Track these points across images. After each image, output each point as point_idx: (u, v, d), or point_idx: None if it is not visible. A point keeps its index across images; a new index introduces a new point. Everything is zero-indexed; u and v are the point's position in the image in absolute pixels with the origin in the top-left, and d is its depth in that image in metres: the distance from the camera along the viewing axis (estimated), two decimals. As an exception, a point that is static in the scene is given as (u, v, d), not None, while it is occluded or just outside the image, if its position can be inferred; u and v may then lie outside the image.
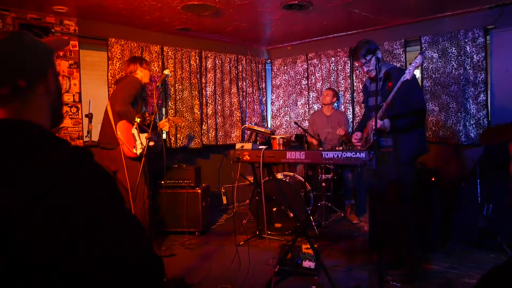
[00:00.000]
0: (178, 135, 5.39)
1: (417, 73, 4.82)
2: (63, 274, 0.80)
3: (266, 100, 6.69)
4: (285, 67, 6.41)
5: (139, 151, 3.72)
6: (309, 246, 3.26)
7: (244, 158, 3.18)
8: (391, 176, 3.15)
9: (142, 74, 3.96)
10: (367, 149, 3.28)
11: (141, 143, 3.74)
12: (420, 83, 4.57)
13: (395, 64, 5.12)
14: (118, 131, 3.71)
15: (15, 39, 0.96)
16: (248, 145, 3.22)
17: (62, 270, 0.80)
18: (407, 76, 2.79)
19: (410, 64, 2.83)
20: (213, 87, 5.81)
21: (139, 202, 3.67)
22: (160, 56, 5.17)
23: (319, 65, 5.95)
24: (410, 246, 3.20)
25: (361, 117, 5.48)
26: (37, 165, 0.83)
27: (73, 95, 4.49)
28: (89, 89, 4.87)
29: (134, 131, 3.78)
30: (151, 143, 3.76)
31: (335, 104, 5.54)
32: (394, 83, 2.98)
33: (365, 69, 3.26)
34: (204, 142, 5.72)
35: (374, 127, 3.07)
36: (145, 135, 3.73)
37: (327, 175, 4.86)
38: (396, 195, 3.15)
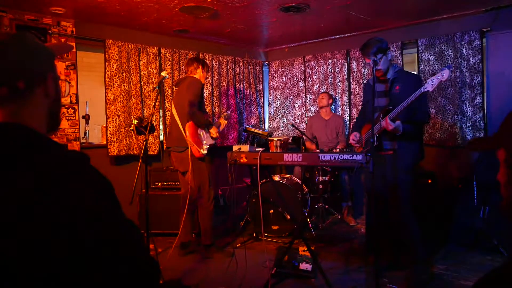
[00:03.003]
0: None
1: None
2: (61, 275, 0.80)
3: (263, 102, 6.69)
4: (283, 69, 6.42)
5: (205, 152, 3.85)
6: (306, 248, 3.26)
7: (241, 160, 3.18)
8: (393, 179, 3.14)
9: (202, 75, 4.06)
10: (367, 151, 3.28)
11: (206, 143, 3.90)
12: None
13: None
14: (187, 132, 3.79)
15: (17, 41, 0.96)
16: (245, 147, 3.22)
17: (60, 271, 0.80)
18: (428, 87, 2.75)
19: (434, 75, 2.78)
20: (210, 89, 5.81)
21: (205, 202, 3.89)
22: (157, 58, 5.17)
23: (316, 67, 5.96)
24: (414, 249, 3.16)
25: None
26: (37, 166, 0.83)
27: (70, 97, 4.48)
28: (86, 90, 4.87)
29: (201, 132, 3.90)
30: (212, 141, 4.02)
31: (332, 106, 5.55)
32: (402, 87, 2.93)
33: (376, 68, 3.18)
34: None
35: (379, 129, 3.06)
36: (209, 134, 4.02)
37: (324, 177, 4.86)
38: (396, 198, 3.13)
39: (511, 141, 0.84)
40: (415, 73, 3.14)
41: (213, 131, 4.05)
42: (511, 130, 0.85)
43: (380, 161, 3.29)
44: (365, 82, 5.44)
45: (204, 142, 3.90)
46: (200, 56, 5.65)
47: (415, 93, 2.86)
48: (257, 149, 3.20)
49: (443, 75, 2.73)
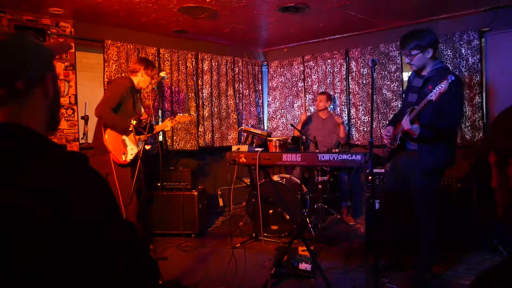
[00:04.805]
0: (174, 137, 5.38)
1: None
2: (60, 275, 0.80)
3: (262, 102, 6.69)
4: (282, 69, 6.42)
5: (129, 158, 3.59)
6: (305, 248, 3.26)
7: (240, 160, 3.18)
8: (412, 181, 3.10)
9: (142, 79, 3.78)
10: (391, 149, 3.24)
11: (132, 149, 3.64)
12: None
13: (392, 66, 5.14)
14: (106, 136, 3.55)
15: (16, 41, 0.95)
16: (244, 147, 3.22)
17: (60, 271, 0.80)
18: (432, 96, 2.68)
19: (438, 83, 2.69)
20: (209, 89, 5.81)
21: (130, 210, 3.59)
22: (156, 58, 5.17)
23: (315, 67, 5.96)
24: (426, 252, 3.14)
25: (355, 120, 5.52)
26: (36, 166, 0.83)
27: (69, 97, 4.48)
28: (85, 91, 4.86)
29: (126, 137, 3.66)
30: (148, 147, 3.72)
31: (331, 106, 5.55)
32: (434, 86, 2.87)
33: (407, 61, 3.12)
34: (200, 144, 5.71)
35: (402, 129, 3.00)
36: (141, 138, 3.69)
37: (323, 177, 4.86)
38: (416, 199, 3.10)
39: (499, 143, 0.85)
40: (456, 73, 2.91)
41: (141, 137, 3.79)
42: (498, 133, 0.87)
43: (398, 160, 3.27)
44: (364, 82, 5.44)
45: (130, 148, 3.64)
46: (199, 56, 5.66)
47: (423, 101, 2.78)
48: (256, 149, 3.20)
49: (441, 87, 2.66)
